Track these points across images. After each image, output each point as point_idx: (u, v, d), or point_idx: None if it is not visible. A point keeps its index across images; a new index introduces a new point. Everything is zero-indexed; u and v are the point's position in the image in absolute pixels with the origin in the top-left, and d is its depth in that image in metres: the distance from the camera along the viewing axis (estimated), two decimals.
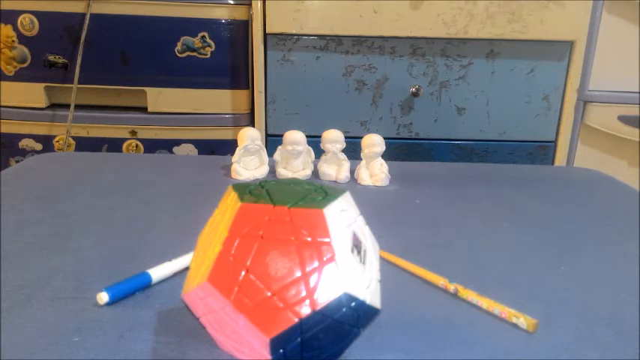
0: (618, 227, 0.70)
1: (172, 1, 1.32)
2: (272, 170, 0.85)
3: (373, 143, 0.83)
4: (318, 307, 0.35)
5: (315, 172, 0.85)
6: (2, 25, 1.35)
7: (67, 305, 0.48)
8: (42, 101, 1.41)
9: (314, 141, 0.87)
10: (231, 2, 1.35)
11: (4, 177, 0.80)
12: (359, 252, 0.38)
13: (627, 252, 0.62)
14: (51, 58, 1.37)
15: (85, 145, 1.42)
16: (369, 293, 0.38)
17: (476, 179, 0.87)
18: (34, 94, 1.40)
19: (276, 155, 0.84)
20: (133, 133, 1.41)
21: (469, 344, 0.44)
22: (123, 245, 0.59)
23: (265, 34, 1.31)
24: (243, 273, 0.36)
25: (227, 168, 0.87)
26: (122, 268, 0.54)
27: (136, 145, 1.42)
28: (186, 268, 0.53)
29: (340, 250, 0.37)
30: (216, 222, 0.40)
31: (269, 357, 0.36)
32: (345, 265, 0.37)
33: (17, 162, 1.33)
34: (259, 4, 1.28)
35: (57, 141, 1.42)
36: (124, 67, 1.37)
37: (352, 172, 0.84)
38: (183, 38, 1.35)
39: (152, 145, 1.42)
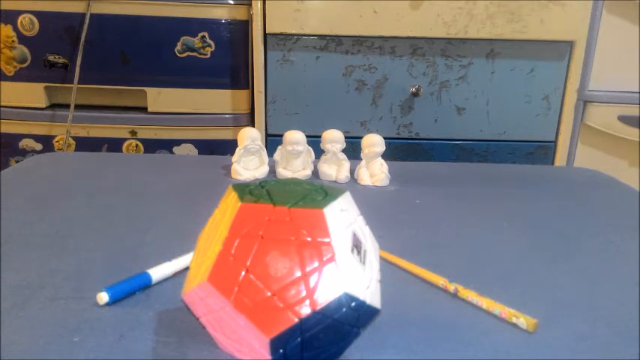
0: (618, 227, 0.70)
1: (172, 1, 1.32)
2: (272, 170, 0.85)
3: (373, 143, 0.83)
4: (318, 307, 0.35)
5: (315, 172, 0.85)
6: (2, 25, 1.35)
7: (67, 305, 0.48)
8: (42, 101, 1.41)
9: (314, 141, 0.87)
10: (231, 2, 1.35)
11: (4, 177, 0.80)
12: (359, 252, 0.38)
13: (627, 252, 0.62)
14: (51, 58, 1.37)
15: (85, 145, 1.42)
16: (369, 293, 0.38)
17: (476, 179, 0.87)
18: (34, 94, 1.40)
19: (276, 155, 0.84)
20: (133, 133, 1.41)
21: (469, 344, 0.44)
22: (123, 245, 0.59)
23: (265, 34, 1.31)
24: (243, 273, 0.36)
25: (227, 168, 0.87)
26: (122, 268, 0.54)
27: (136, 145, 1.42)
28: (186, 268, 0.53)
29: (340, 250, 0.37)
30: (216, 222, 0.40)
31: (269, 357, 0.36)
32: (345, 265, 0.37)
33: (17, 162, 1.33)
34: (259, 4, 1.28)
35: (57, 141, 1.42)
36: (124, 67, 1.37)
37: (352, 172, 0.84)
38: (183, 38, 1.35)
39: (152, 145, 1.42)
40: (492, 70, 1.35)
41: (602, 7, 1.36)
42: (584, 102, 1.43)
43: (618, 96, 1.42)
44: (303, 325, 0.35)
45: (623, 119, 1.42)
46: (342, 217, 0.39)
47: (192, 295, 0.38)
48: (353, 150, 0.93)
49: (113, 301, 0.48)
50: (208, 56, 1.37)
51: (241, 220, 0.37)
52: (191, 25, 1.34)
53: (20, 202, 0.70)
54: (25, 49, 1.37)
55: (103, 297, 0.47)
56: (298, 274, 0.35)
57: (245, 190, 0.40)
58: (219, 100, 1.41)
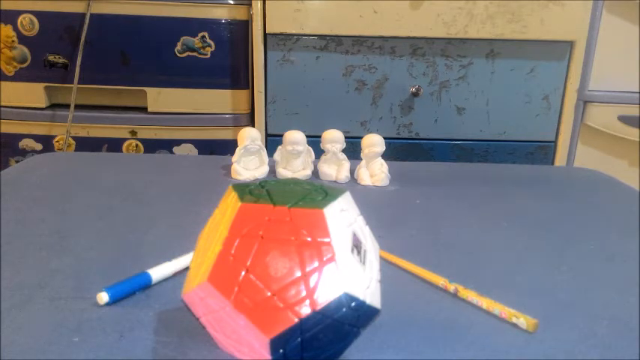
0: (618, 227, 0.70)
1: (172, 1, 1.32)
2: (272, 170, 0.85)
3: (373, 143, 0.83)
4: (318, 307, 0.35)
5: (315, 172, 0.85)
6: (2, 25, 1.35)
7: (67, 305, 0.48)
8: (42, 101, 1.40)
9: (314, 141, 0.87)
10: (231, 2, 1.35)
11: (4, 177, 0.80)
12: (359, 252, 0.38)
13: (627, 252, 0.62)
14: (51, 58, 1.37)
15: (85, 145, 1.42)
16: (369, 293, 0.38)
17: (476, 179, 0.87)
18: (34, 94, 1.40)
19: (276, 155, 0.84)
20: (133, 133, 1.41)
21: (469, 344, 0.44)
22: (123, 245, 0.59)
23: (265, 34, 1.31)
24: (243, 273, 0.36)
25: (227, 168, 0.87)
26: (122, 268, 0.54)
27: (136, 145, 1.42)
28: (186, 268, 0.53)
29: (340, 250, 0.37)
30: (216, 222, 0.40)
31: (269, 357, 0.36)
32: (345, 265, 0.37)
33: (17, 162, 1.33)
34: (259, 4, 1.28)
35: (57, 141, 1.42)
36: (124, 67, 1.37)
37: (352, 172, 0.84)
38: (183, 38, 1.35)
39: (152, 145, 1.42)
40: (492, 70, 1.35)
41: (602, 7, 1.36)
42: (584, 102, 1.43)
43: (618, 96, 1.42)
44: (303, 325, 0.35)
45: (623, 119, 1.42)
46: (342, 217, 0.39)
47: (192, 295, 0.38)
48: (353, 150, 0.93)
49: (113, 301, 0.48)
50: (208, 56, 1.37)
51: (241, 220, 0.37)
52: (191, 25, 1.34)
53: (20, 202, 0.70)
54: (25, 49, 1.37)
55: (103, 297, 0.47)
56: (298, 274, 0.35)
57: (245, 190, 0.40)
58: (219, 100, 1.41)
